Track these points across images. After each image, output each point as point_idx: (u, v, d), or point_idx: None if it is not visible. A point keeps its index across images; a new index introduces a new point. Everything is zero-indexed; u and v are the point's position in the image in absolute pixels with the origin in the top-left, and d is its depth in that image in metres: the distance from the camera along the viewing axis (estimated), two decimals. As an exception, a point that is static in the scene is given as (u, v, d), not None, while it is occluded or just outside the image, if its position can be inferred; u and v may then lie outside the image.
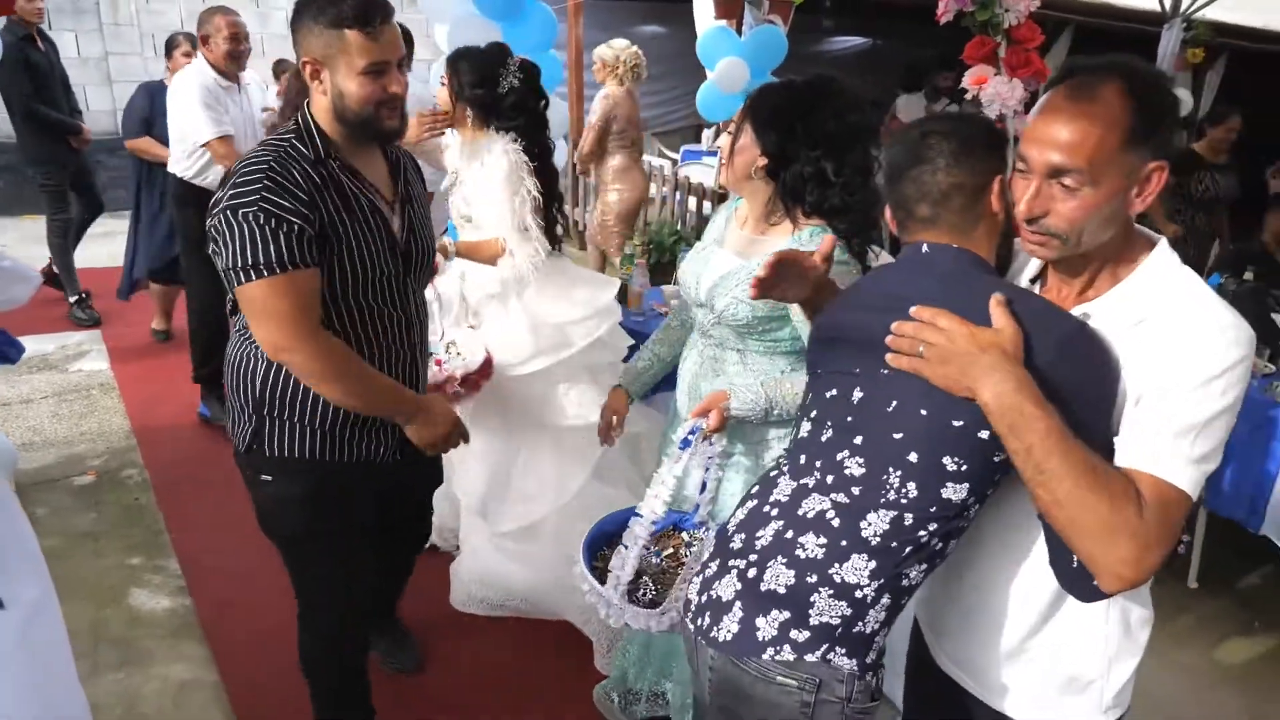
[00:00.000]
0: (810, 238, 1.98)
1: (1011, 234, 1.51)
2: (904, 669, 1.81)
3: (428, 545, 2.93)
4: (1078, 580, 1.32)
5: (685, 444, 1.80)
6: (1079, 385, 1.28)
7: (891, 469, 1.38)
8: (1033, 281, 1.48)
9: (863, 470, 1.41)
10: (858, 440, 1.44)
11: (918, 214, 1.47)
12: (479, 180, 2.88)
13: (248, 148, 4.19)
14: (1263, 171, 6.17)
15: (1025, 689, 1.47)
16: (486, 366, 2.91)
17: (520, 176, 2.85)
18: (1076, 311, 1.37)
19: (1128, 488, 1.23)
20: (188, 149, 4.37)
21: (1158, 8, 5.64)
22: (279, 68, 7.01)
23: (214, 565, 3.31)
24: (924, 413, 1.36)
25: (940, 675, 1.60)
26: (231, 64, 4.32)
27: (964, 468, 1.34)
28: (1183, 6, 5.46)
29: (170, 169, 4.55)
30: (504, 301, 3.03)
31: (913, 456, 1.36)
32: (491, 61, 2.92)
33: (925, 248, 1.46)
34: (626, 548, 1.73)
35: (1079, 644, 1.43)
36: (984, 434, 1.31)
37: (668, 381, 2.49)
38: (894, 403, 1.40)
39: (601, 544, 1.86)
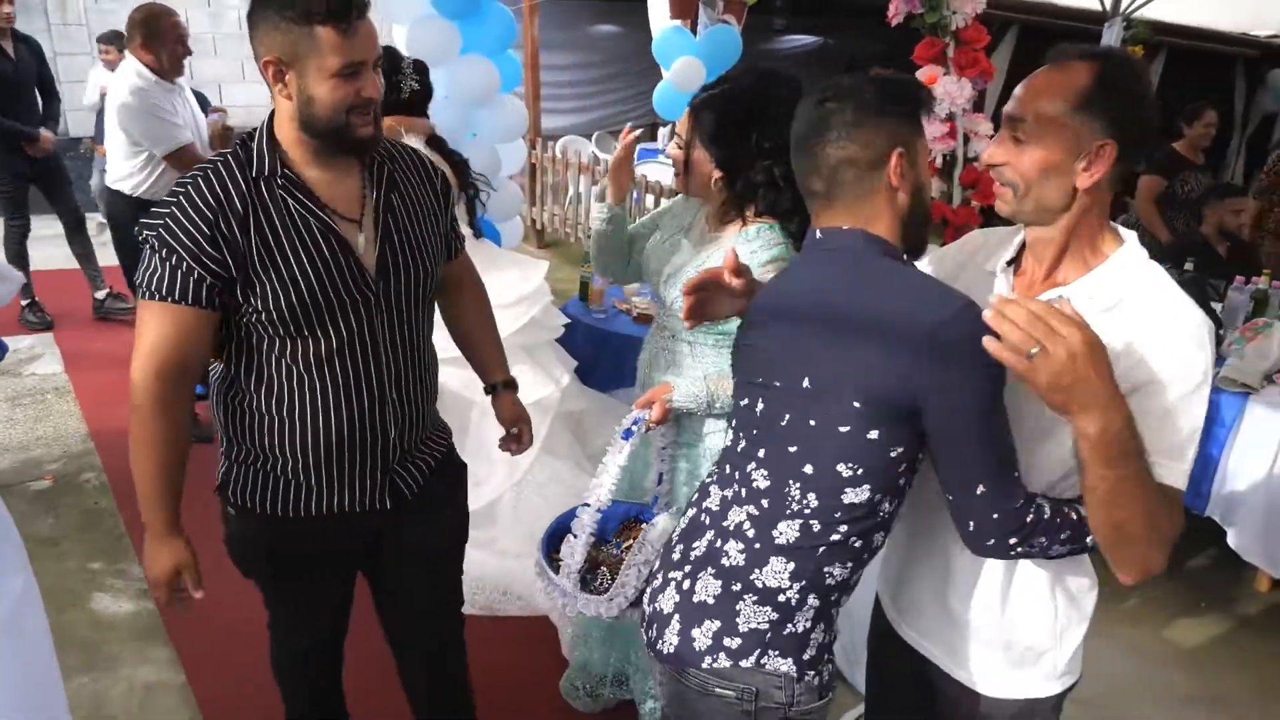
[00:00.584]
0: (756, 234, 2.04)
1: (929, 218, 1.48)
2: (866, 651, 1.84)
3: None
4: (972, 537, 1.33)
5: (627, 434, 1.83)
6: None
7: (791, 481, 1.39)
8: (1009, 264, 1.49)
9: (767, 483, 1.42)
10: (761, 453, 1.45)
11: (812, 188, 1.41)
12: None
13: (198, 150, 4.13)
14: (1219, 169, 6.30)
15: (984, 663, 1.52)
16: None
17: None
18: (1050, 294, 1.39)
19: (1173, 499, 1.30)
20: (139, 163, 4.22)
21: (1099, 7, 5.75)
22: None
23: (177, 567, 3.28)
24: (812, 423, 1.36)
25: (905, 649, 1.64)
26: (177, 69, 4.14)
27: (859, 471, 1.34)
28: (1123, 5, 5.58)
29: (113, 185, 4.33)
30: None
31: (808, 469, 1.37)
32: (388, 69, 2.95)
33: (819, 234, 1.43)
34: (575, 536, 1.76)
35: (1030, 618, 1.48)
36: (873, 434, 1.31)
37: (628, 377, 2.52)
38: (786, 416, 1.40)
39: (560, 538, 1.87)
